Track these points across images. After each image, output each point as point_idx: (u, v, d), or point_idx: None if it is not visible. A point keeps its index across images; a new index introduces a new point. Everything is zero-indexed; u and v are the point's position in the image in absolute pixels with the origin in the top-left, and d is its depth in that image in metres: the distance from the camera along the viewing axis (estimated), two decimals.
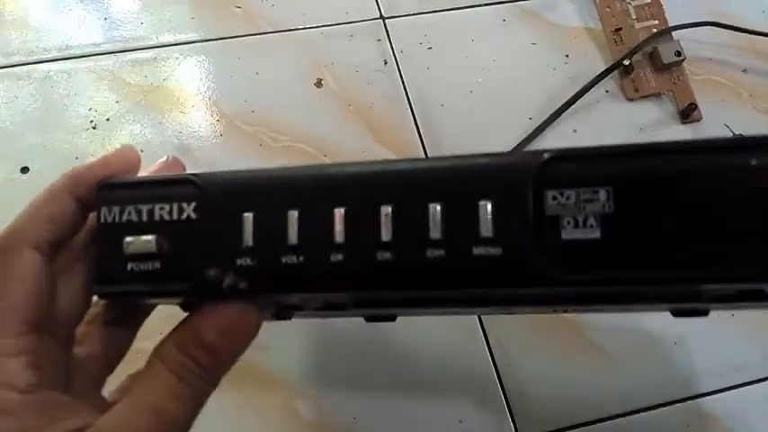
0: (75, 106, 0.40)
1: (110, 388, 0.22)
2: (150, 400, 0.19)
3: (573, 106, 0.41)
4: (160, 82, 0.41)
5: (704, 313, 0.21)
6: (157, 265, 0.20)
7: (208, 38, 0.43)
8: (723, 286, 0.18)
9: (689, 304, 0.20)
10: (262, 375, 0.33)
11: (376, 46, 0.43)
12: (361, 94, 0.41)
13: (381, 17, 0.44)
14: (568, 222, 0.17)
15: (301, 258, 0.19)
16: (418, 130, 0.40)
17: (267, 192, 0.20)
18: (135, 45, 0.42)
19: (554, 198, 0.18)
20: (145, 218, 0.20)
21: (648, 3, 0.44)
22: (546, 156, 0.18)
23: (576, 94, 0.41)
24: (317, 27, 0.44)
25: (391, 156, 0.39)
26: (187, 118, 0.40)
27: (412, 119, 0.41)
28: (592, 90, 0.42)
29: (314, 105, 0.41)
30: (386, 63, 0.43)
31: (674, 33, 0.44)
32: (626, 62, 0.42)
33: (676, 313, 0.22)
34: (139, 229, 0.20)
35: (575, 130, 0.41)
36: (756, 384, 0.34)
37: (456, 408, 0.33)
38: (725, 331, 0.35)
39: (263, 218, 0.19)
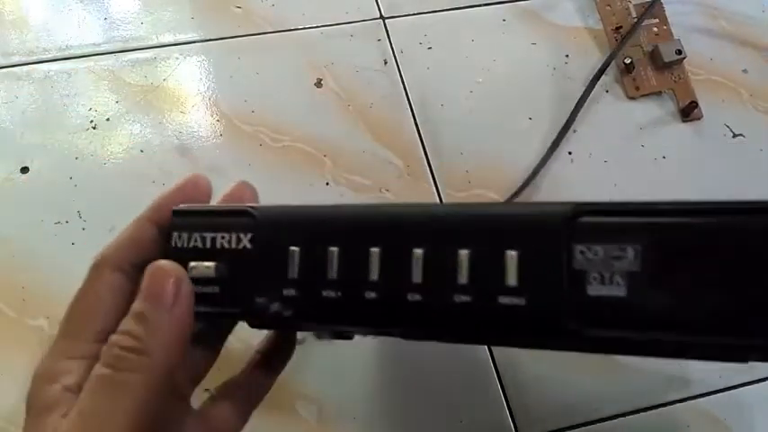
0: (75, 106, 0.40)
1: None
2: (90, 405, 0.19)
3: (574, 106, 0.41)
4: (160, 82, 0.41)
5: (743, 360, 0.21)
6: (216, 289, 0.21)
7: (208, 38, 0.43)
8: (747, 354, 0.17)
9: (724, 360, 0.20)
10: None
11: (376, 46, 0.43)
12: (361, 94, 0.41)
13: (381, 17, 0.44)
14: (594, 278, 0.17)
15: (339, 293, 0.20)
16: (418, 130, 0.40)
17: (313, 228, 0.21)
18: (135, 45, 0.42)
19: (582, 252, 0.18)
20: (209, 245, 0.22)
21: (649, 1, 0.44)
22: (575, 209, 0.18)
23: (582, 96, 0.41)
24: (317, 27, 0.44)
25: (391, 156, 0.39)
26: (187, 118, 0.40)
27: (412, 119, 0.41)
28: (602, 83, 0.42)
29: (314, 105, 0.41)
30: (386, 63, 0.43)
31: (673, 31, 0.44)
32: (627, 60, 0.42)
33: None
34: (204, 254, 0.22)
35: (575, 130, 0.41)
36: (756, 384, 0.34)
37: (456, 408, 0.33)
38: None
39: (307, 252, 0.21)
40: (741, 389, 0.34)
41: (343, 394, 0.33)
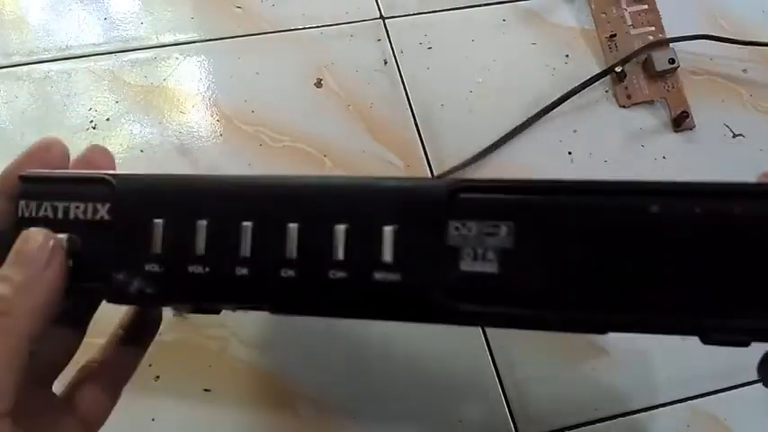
0: (75, 106, 0.40)
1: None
2: None
3: (574, 106, 0.41)
4: (160, 82, 0.41)
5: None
6: (70, 263, 0.20)
7: (208, 38, 0.43)
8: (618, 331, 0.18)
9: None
10: (262, 375, 0.33)
11: (376, 46, 0.43)
12: (361, 94, 0.41)
13: (381, 17, 0.44)
14: (468, 254, 0.17)
15: (207, 269, 0.19)
16: (418, 130, 0.40)
17: (179, 199, 0.20)
18: (135, 45, 0.42)
19: (456, 228, 0.18)
20: (60, 215, 0.20)
21: (645, 9, 0.44)
22: (453, 185, 0.18)
23: (562, 96, 0.41)
24: (317, 27, 0.44)
25: (391, 156, 0.39)
26: (187, 118, 0.40)
27: (412, 119, 0.41)
28: (591, 90, 0.42)
29: (314, 105, 0.41)
30: (386, 63, 0.43)
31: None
32: (618, 69, 0.41)
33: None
34: (55, 226, 0.20)
35: (575, 130, 0.41)
36: (756, 384, 0.34)
37: (456, 408, 0.33)
38: None
39: (172, 225, 0.19)
40: (741, 389, 0.34)
41: (343, 394, 0.33)
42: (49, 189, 0.20)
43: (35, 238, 0.19)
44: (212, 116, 0.40)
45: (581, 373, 0.34)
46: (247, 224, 0.19)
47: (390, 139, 0.40)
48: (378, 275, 0.18)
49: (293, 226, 0.18)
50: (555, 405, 0.33)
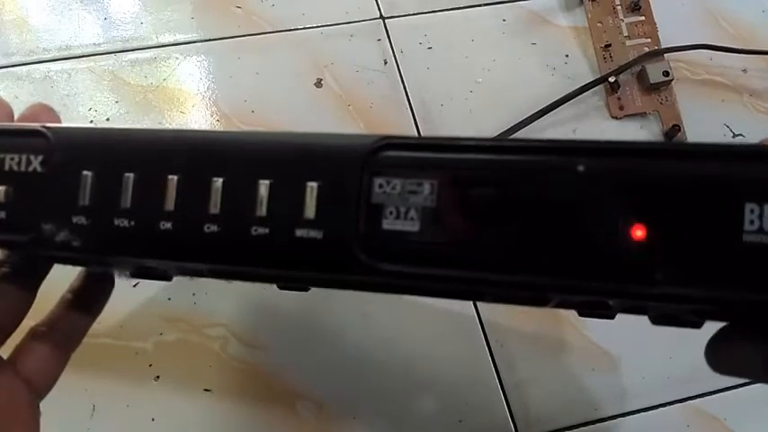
0: (75, 106, 0.40)
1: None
2: None
3: (570, 111, 0.41)
4: (160, 82, 0.41)
5: (609, 317, 0.21)
6: (3, 215, 0.20)
7: (208, 38, 0.43)
8: (537, 294, 0.17)
9: (543, 306, 0.20)
10: (262, 375, 0.33)
11: (376, 46, 0.43)
12: (361, 94, 0.41)
13: (381, 17, 0.44)
14: (391, 212, 0.17)
15: (132, 223, 0.19)
16: (418, 131, 0.40)
17: (109, 152, 0.20)
18: (135, 45, 0.42)
19: (380, 186, 0.17)
20: None
21: (641, 21, 0.44)
22: (379, 142, 0.18)
23: (557, 101, 0.40)
24: (317, 27, 0.44)
25: None
26: (187, 118, 0.40)
27: (412, 119, 0.41)
28: (585, 98, 0.41)
29: (314, 105, 0.41)
30: (386, 63, 0.43)
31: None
32: (612, 79, 0.41)
33: (580, 314, 0.21)
34: None
35: (574, 130, 0.41)
36: (756, 384, 0.34)
37: (456, 408, 0.33)
38: None
39: (101, 178, 0.19)
40: (741, 389, 0.34)
41: (343, 394, 0.33)
42: None
43: None
44: (212, 116, 0.40)
45: (581, 373, 0.34)
46: (173, 177, 0.19)
47: None
48: (299, 232, 0.18)
49: (218, 181, 0.18)
50: (555, 405, 0.33)
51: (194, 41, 0.43)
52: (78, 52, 0.42)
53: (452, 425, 0.33)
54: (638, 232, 0.16)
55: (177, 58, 0.42)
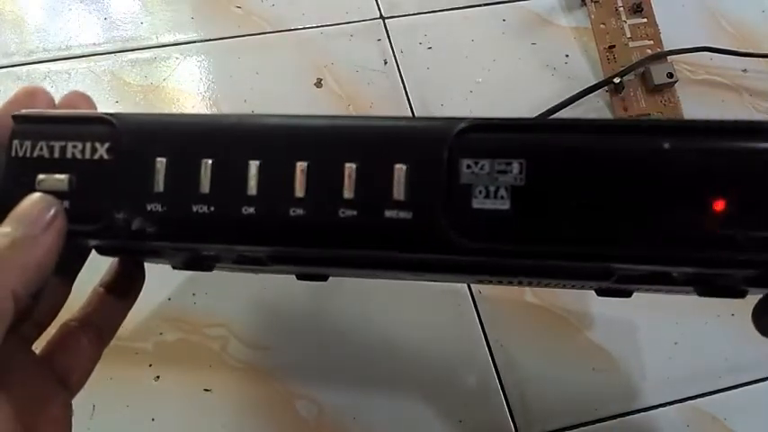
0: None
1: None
2: None
3: (573, 113, 0.41)
4: (160, 82, 0.41)
5: (627, 294, 0.21)
6: (67, 204, 0.19)
7: (208, 38, 0.43)
8: (627, 266, 0.18)
9: (605, 283, 0.20)
10: (262, 375, 0.33)
11: (376, 46, 0.43)
12: (361, 94, 0.41)
13: (381, 17, 0.44)
14: (480, 192, 0.18)
15: (212, 208, 0.19)
16: None
17: (183, 138, 0.19)
18: (135, 45, 0.42)
19: (468, 167, 0.18)
20: (57, 155, 0.20)
21: (644, 22, 0.44)
22: (464, 124, 0.18)
23: (561, 104, 0.40)
24: (317, 27, 0.44)
25: None
26: None
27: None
28: (588, 99, 0.41)
29: (314, 105, 0.41)
30: (386, 63, 0.43)
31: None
32: (616, 80, 0.41)
33: (600, 293, 0.22)
34: (51, 165, 0.20)
35: None
36: (756, 384, 0.34)
37: (456, 408, 0.33)
38: (725, 331, 0.35)
39: (176, 164, 0.19)
40: (741, 389, 0.34)
41: (342, 394, 0.33)
42: (46, 129, 0.20)
43: (37, 201, 0.19)
44: None
45: (581, 373, 0.34)
46: (255, 162, 0.19)
47: None
48: (389, 213, 0.18)
49: (302, 164, 0.18)
50: (555, 405, 0.33)
51: (194, 41, 0.43)
52: (78, 52, 0.42)
53: (452, 425, 0.33)
54: (720, 205, 0.16)
55: (177, 58, 0.42)
